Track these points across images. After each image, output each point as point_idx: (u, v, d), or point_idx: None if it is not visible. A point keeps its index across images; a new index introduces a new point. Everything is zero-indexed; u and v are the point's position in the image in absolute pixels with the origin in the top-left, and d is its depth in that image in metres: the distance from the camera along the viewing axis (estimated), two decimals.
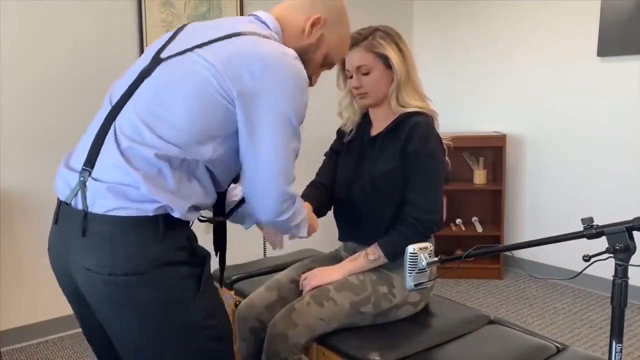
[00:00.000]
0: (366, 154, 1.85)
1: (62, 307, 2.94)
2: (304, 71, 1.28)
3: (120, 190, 1.20)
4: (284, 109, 1.24)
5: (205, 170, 1.28)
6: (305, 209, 1.50)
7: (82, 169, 1.26)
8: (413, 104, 1.78)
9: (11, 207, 2.79)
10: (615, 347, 1.15)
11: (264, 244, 3.41)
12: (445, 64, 4.21)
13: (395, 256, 1.73)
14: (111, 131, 1.26)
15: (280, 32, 1.38)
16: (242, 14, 3.39)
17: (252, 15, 1.39)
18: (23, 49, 2.76)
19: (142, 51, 3.09)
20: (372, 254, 1.75)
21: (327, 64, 1.48)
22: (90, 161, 1.25)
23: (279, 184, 1.29)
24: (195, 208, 1.29)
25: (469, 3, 4.05)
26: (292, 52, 1.27)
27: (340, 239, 1.97)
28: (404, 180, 1.75)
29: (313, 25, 1.38)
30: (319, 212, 1.88)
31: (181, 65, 1.26)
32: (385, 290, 1.76)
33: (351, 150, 1.91)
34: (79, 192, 1.24)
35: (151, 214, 1.20)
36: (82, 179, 1.25)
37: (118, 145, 1.23)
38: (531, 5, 3.71)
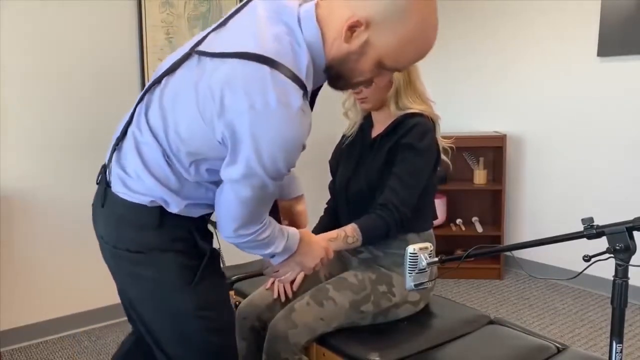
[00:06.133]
0: (365, 156, 1.85)
1: (62, 307, 2.97)
2: (301, 128, 1.15)
3: (124, 179, 1.28)
4: (254, 164, 1.15)
5: (205, 173, 1.29)
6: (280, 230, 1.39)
7: (113, 146, 1.35)
8: (414, 107, 1.77)
9: (11, 207, 2.79)
10: (616, 347, 1.15)
11: None
12: (444, 64, 4.21)
13: (371, 242, 1.73)
14: (138, 113, 1.31)
15: (320, 38, 1.18)
16: None
17: (296, 11, 1.20)
18: (23, 49, 2.76)
19: (142, 51, 3.09)
20: (352, 237, 1.68)
21: (389, 69, 1.24)
22: (122, 138, 1.33)
23: (230, 226, 1.26)
24: (205, 205, 1.32)
25: (468, 3, 4.05)
26: (296, 105, 1.12)
27: None
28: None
29: (350, 29, 1.15)
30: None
31: (196, 76, 1.20)
32: (385, 289, 1.76)
33: (351, 152, 1.91)
34: (110, 164, 1.34)
35: (148, 205, 1.27)
36: (110, 157, 1.35)
37: (135, 136, 1.29)
38: (531, 5, 3.71)
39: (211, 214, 1.36)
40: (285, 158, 1.16)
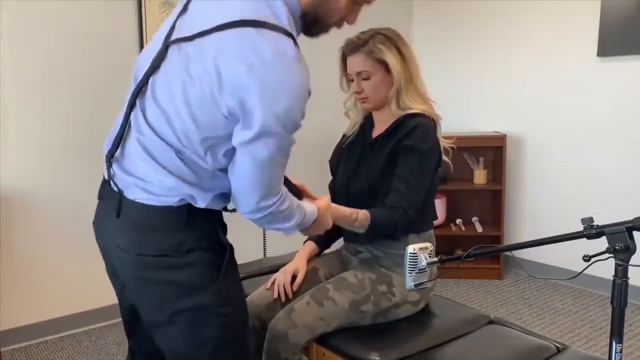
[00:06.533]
0: (365, 156, 1.85)
1: (62, 307, 2.98)
2: (303, 74, 1.18)
3: (144, 186, 1.26)
4: (270, 122, 1.15)
5: (223, 158, 1.28)
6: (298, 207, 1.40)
7: (107, 158, 1.33)
8: (415, 107, 1.77)
9: (11, 207, 2.79)
10: (615, 347, 1.15)
11: (264, 244, 3.41)
12: (445, 64, 4.21)
13: (374, 235, 1.73)
14: (134, 118, 1.29)
15: None
16: None
17: None
18: (23, 49, 2.76)
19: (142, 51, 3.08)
20: (360, 222, 1.67)
21: (361, 2, 1.33)
22: (115, 151, 1.32)
23: (252, 198, 1.26)
24: (223, 195, 1.32)
25: (468, 3, 4.05)
26: (292, 53, 1.16)
27: (344, 240, 1.98)
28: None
29: None
30: (331, 240, 2.01)
31: (183, 63, 1.22)
32: (385, 289, 1.76)
33: (352, 152, 1.91)
34: (114, 176, 1.32)
35: (175, 205, 1.25)
36: (111, 170, 1.32)
37: (140, 141, 1.27)
38: (531, 5, 3.71)
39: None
40: (298, 106, 1.17)
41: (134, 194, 1.27)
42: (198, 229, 1.29)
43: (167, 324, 1.32)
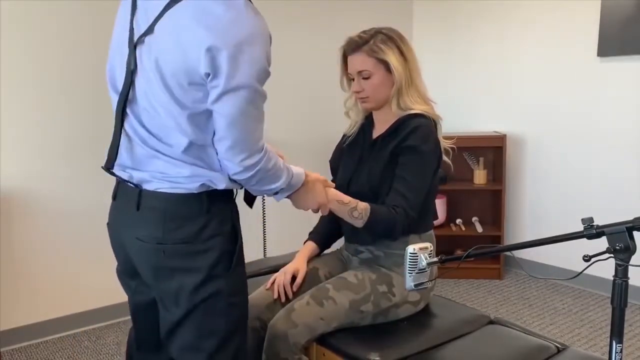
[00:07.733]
0: (366, 156, 1.85)
1: (62, 307, 2.98)
2: (258, 19, 1.23)
3: (164, 178, 1.30)
4: (236, 74, 1.19)
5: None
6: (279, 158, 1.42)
7: (107, 169, 1.37)
8: (415, 108, 1.77)
9: (11, 207, 2.79)
10: (615, 347, 1.15)
11: (264, 244, 3.41)
12: (445, 64, 4.21)
13: (372, 230, 1.71)
14: (130, 127, 1.33)
15: None
16: None
17: None
18: (22, 50, 2.76)
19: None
20: (359, 213, 1.66)
21: None
22: (113, 162, 1.36)
23: (236, 158, 1.28)
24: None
25: (469, 4, 4.05)
26: (240, 2, 1.21)
27: (345, 240, 1.98)
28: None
29: None
30: (331, 240, 2.01)
31: (152, 53, 1.26)
32: (385, 289, 1.76)
33: (353, 152, 1.91)
34: (130, 178, 1.35)
35: (196, 192, 1.30)
36: (123, 174, 1.36)
37: (149, 144, 1.30)
38: (531, 6, 3.71)
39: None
40: (261, 52, 1.21)
41: (155, 185, 1.31)
42: (218, 214, 1.33)
43: (183, 316, 1.34)
